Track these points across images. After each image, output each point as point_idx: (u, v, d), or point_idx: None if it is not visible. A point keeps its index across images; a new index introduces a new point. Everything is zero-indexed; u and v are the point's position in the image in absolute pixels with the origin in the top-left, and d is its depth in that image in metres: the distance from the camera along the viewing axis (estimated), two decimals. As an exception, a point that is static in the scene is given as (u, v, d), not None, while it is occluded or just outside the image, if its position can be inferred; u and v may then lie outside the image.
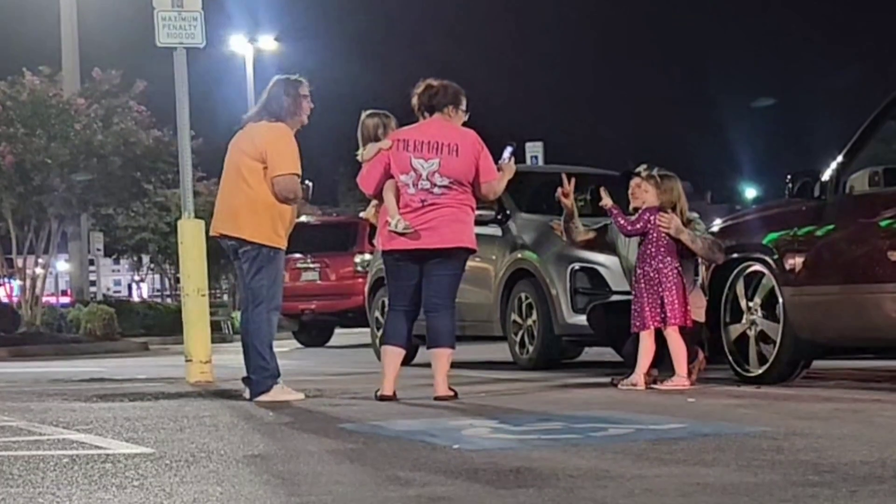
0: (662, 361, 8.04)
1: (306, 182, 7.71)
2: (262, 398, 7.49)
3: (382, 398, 7.32)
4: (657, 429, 5.42)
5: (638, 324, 7.95)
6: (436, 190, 7.28)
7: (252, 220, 7.56)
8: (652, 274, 7.94)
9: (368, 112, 7.69)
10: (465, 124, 7.47)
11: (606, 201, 8.20)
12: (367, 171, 7.50)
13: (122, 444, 5.39)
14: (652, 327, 7.91)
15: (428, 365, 7.58)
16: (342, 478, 4.16)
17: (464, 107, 7.47)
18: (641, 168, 8.33)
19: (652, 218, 8.01)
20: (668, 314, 7.86)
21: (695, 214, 8.45)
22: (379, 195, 7.50)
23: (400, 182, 7.33)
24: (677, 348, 7.88)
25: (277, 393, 7.54)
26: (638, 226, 8.04)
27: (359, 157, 7.62)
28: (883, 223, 7.06)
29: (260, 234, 7.57)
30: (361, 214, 8.37)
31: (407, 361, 9.33)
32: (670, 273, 7.93)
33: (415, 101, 7.48)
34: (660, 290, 7.90)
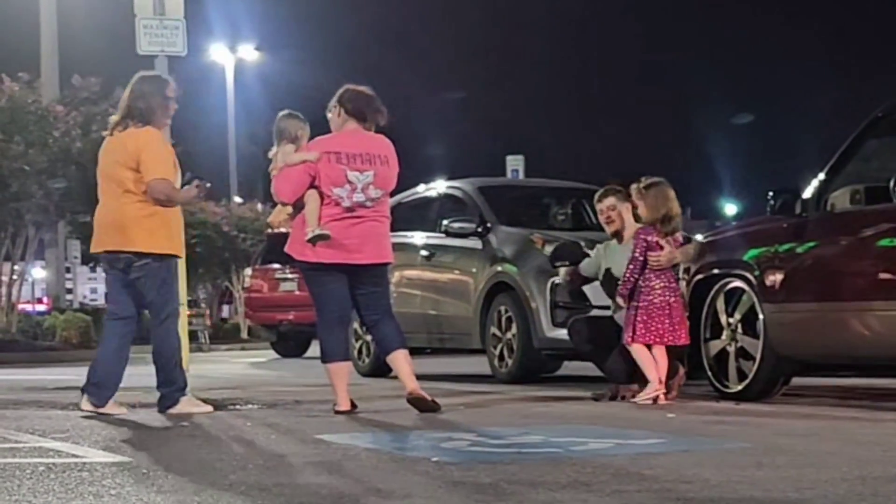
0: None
1: (204, 181, 7.55)
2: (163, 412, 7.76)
3: (340, 413, 7.33)
4: (637, 443, 5.42)
5: (654, 338, 7.83)
6: (368, 203, 7.32)
7: (142, 231, 7.41)
8: (659, 290, 7.88)
9: (286, 112, 7.60)
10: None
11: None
12: (289, 179, 7.35)
13: (99, 452, 5.36)
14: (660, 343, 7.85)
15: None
16: (321, 489, 4.14)
17: None
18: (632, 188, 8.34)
19: (646, 238, 7.96)
20: (677, 331, 7.86)
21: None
22: (294, 203, 7.44)
23: (333, 194, 7.26)
24: (659, 362, 7.88)
25: (111, 408, 7.82)
26: (637, 253, 7.99)
27: (270, 156, 7.52)
28: (864, 241, 7.08)
29: (153, 244, 7.44)
30: (269, 219, 8.26)
31: (386, 374, 9.32)
32: (677, 289, 7.94)
33: (347, 106, 7.40)
34: (669, 307, 7.86)
